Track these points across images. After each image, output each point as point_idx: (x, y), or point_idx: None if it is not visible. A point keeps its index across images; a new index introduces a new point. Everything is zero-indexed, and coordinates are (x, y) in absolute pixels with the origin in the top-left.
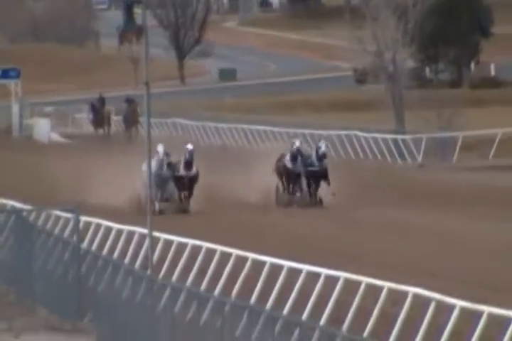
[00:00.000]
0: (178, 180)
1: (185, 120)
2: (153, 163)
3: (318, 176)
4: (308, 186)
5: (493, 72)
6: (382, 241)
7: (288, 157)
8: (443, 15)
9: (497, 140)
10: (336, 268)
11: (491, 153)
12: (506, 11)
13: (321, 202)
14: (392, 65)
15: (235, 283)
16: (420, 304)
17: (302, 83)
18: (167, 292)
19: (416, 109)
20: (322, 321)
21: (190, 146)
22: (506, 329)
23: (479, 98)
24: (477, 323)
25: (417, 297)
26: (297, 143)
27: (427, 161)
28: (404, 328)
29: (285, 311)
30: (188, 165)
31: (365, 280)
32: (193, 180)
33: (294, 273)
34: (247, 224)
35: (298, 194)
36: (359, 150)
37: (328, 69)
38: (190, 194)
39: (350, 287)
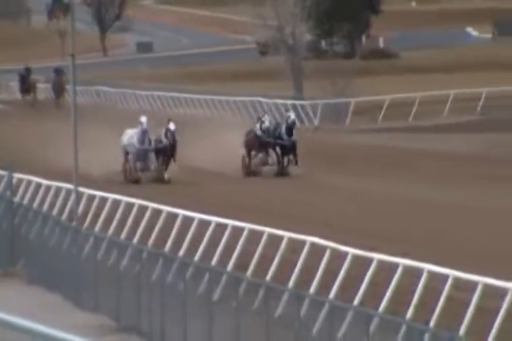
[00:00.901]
0: (160, 151)
1: (107, 88)
2: (134, 133)
3: (287, 149)
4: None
5: (381, 45)
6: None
7: (258, 126)
8: None
9: (385, 105)
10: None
11: (380, 117)
12: None
13: (287, 173)
14: (291, 38)
15: (151, 234)
16: (318, 252)
17: (210, 55)
18: (90, 241)
19: (313, 77)
20: (229, 267)
21: (172, 126)
22: (394, 274)
23: (369, 68)
24: (368, 269)
25: (314, 245)
26: (267, 122)
27: (323, 124)
28: (302, 273)
29: (196, 258)
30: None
31: (268, 230)
32: (173, 149)
33: (204, 224)
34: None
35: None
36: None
37: (234, 43)
38: (168, 163)
39: (255, 237)
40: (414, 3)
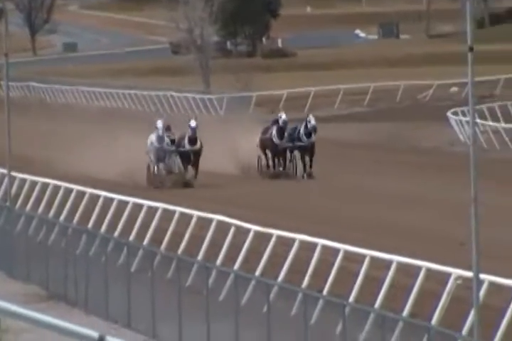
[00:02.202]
0: (183, 155)
1: (37, 83)
2: (154, 138)
3: (305, 150)
4: (291, 160)
5: (280, 45)
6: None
7: (274, 131)
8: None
9: (283, 98)
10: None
11: (279, 108)
12: None
13: (310, 175)
14: (200, 39)
15: (75, 212)
16: (224, 229)
17: (129, 54)
18: (22, 219)
19: (219, 74)
20: (145, 242)
21: (193, 123)
22: (290, 248)
23: (269, 65)
24: (267, 244)
25: (221, 223)
26: (283, 116)
27: (228, 115)
28: (209, 248)
29: (116, 234)
30: (193, 140)
31: (178, 209)
32: (197, 154)
33: (124, 205)
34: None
35: (281, 168)
36: (173, 107)
37: (150, 43)
38: (196, 168)
39: (168, 215)
40: (309, 9)
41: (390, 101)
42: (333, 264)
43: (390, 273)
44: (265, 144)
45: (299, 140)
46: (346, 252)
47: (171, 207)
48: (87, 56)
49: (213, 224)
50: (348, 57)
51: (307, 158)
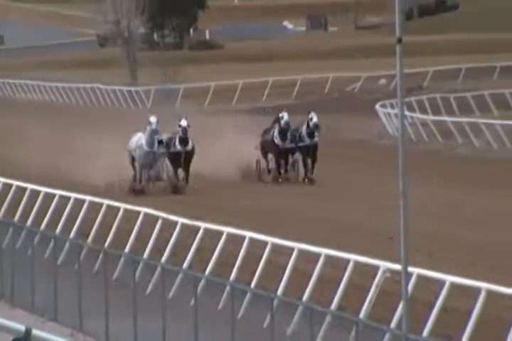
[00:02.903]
0: (174, 157)
1: None
2: (142, 139)
3: (307, 152)
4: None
5: (207, 37)
6: None
7: (276, 133)
8: None
9: (211, 91)
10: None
11: (207, 101)
12: None
13: (311, 180)
14: (127, 31)
15: (1, 205)
16: (152, 221)
17: (56, 46)
18: None
19: (146, 66)
20: (72, 235)
21: (183, 123)
22: (219, 240)
23: (197, 57)
24: (195, 237)
25: (148, 215)
26: (286, 117)
27: (155, 107)
28: (137, 239)
29: (42, 227)
30: (184, 141)
31: (106, 202)
32: (189, 155)
33: (50, 197)
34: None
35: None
36: (101, 99)
37: (76, 35)
38: (187, 172)
39: (96, 208)
40: (236, 0)
41: (318, 94)
42: (261, 257)
43: (318, 266)
44: (266, 147)
45: (301, 141)
46: (274, 245)
47: (97, 200)
48: (14, 49)
49: (140, 216)
50: (276, 49)
51: (309, 161)
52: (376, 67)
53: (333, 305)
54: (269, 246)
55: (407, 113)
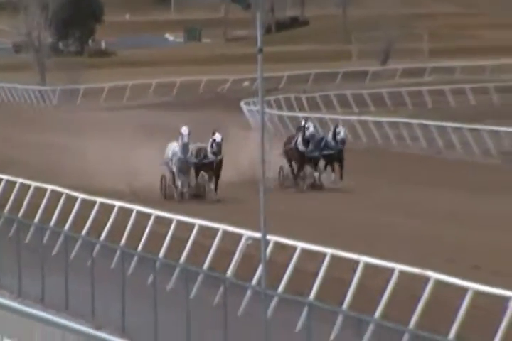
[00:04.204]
0: (205, 167)
1: None
2: (176, 147)
3: (333, 159)
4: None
5: (103, 46)
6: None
7: (300, 140)
8: (71, 6)
9: (105, 90)
10: None
11: (102, 99)
12: (114, 4)
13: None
14: (37, 41)
15: None
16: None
17: None
18: None
19: (53, 70)
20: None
21: (218, 138)
22: (131, 220)
23: (94, 63)
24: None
25: (84, 200)
26: (311, 128)
27: (60, 104)
28: (45, 213)
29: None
30: (217, 153)
31: (50, 187)
32: (219, 166)
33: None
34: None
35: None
36: (16, 97)
37: None
38: (216, 184)
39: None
40: (128, 16)
41: (194, 93)
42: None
43: (217, 241)
44: (290, 154)
45: (328, 148)
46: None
47: (43, 185)
48: None
49: (78, 201)
50: (160, 56)
51: (335, 167)
52: (241, 72)
53: (205, 265)
54: (196, 228)
55: (266, 110)
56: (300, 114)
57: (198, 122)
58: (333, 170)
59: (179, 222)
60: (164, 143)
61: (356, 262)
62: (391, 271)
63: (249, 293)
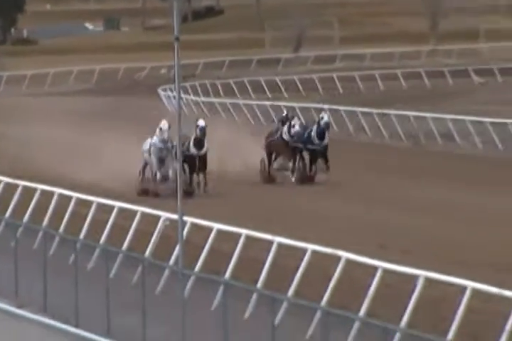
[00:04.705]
0: (187, 160)
1: None
2: (155, 140)
3: (318, 154)
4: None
5: (25, 35)
6: None
7: (285, 129)
8: None
9: (28, 77)
10: None
11: (24, 85)
12: None
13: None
14: None
15: None
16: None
17: None
18: None
19: None
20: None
21: (201, 123)
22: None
23: (17, 51)
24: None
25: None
26: (297, 127)
27: None
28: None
29: None
30: (200, 143)
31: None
32: (204, 159)
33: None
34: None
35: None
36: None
37: None
38: (204, 175)
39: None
40: (48, 6)
41: (113, 80)
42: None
43: (135, 222)
44: (274, 147)
45: (311, 143)
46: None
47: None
48: None
49: (55, 196)
50: (80, 44)
51: (320, 163)
52: (159, 59)
53: (124, 246)
54: (138, 215)
55: (182, 95)
56: (215, 100)
57: (117, 108)
58: (315, 166)
59: (99, 204)
60: (86, 127)
61: (271, 242)
62: (304, 250)
63: (166, 272)
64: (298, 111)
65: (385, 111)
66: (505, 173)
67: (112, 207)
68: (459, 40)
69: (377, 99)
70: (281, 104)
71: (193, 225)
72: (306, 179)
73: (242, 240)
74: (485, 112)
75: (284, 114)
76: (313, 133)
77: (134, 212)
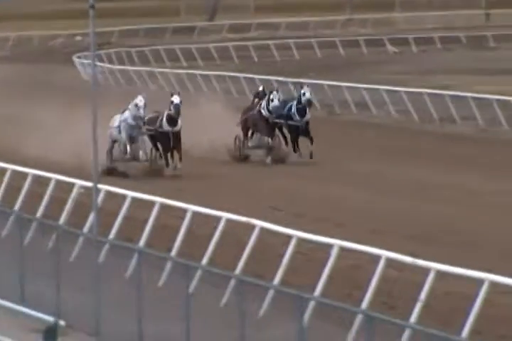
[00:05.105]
0: (161, 137)
1: None
2: (127, 115)
3: (300, 131)
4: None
5: None
6: None
7: (263, 105)
8: None
9: None
10: None
11: None
12: None
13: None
14: None
15: None
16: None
17: None
18: None
19: None
20: None
21: (176, 99)
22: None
23: None
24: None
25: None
26: (276, 101)
27: None
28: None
29: None
30: (174, 120)
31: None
32: (178, 136)
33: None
34: None
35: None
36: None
37: None
38: (179, 153)
39: None
40: None
41: (28, 48)
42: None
43: (49, 189)
44: (251, 122)
45: (291, 119)
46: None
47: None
48: None
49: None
50: None
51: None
52: (74, 27)
53: (39, 214)
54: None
55: (98, 63)
56: (130, 68)
57: (32, 74)
58: (297, 145)
59: (14, 172)
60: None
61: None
62: (219, 219)
63: (81, 239)
64: (213, 79)
65: (300, 79)
66: (419, 142)
67: (25, 174)
68: (374, 10)
69: (292, 68)
70: (197, 72)
71: (108, 193)
72: (280, 159)
73: (156, 208)
74: (400, 81)
75: (260, 89)
76: (293, 109)
77: (49, 179)
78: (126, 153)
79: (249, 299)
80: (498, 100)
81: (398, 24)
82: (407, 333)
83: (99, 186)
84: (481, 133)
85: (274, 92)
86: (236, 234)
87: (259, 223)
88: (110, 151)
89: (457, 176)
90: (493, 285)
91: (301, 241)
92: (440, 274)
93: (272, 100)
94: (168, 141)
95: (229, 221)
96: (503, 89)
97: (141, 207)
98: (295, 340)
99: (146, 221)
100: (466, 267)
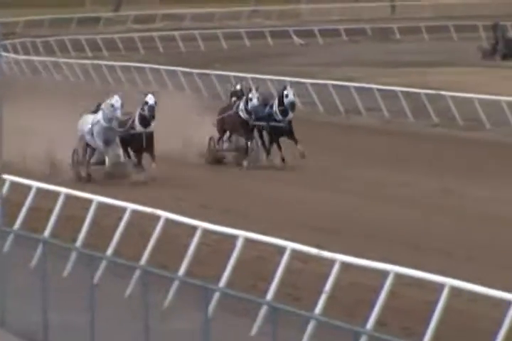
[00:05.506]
0: (132, 139)
1: None
2: (100, 117)
3: (283, 132)
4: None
5: None
6: None
7: (242, 107)
8: None
9: None
10: None
11: None
12: None
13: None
14: None
15: None
16: None
17: None
18: None
19: None
20: None
21: (151, 100)
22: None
23: None
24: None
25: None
26: (255, 100)
27: None
28: None
29: None
30: (147, 121)
31: None
32: (151, 137)
33: None
34: None
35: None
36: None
37: None
38: (152, 156)
39: None
40: None
41: None
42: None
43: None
44: (228, 123)
45: (273, 120)
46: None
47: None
48: None
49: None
50: None
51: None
52: None
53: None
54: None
55: (3, 53)
56: (35, 58)
57: None
58: (279, 147)
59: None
60: None
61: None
62: (124, 210)
63: None
64: (118, 70)
65: (206, 71)
66: (324, 133)
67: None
68: (280, 2)
69: (198, 59)
70: (102, 62)
71: (13, 183)
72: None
73: (61, 199)
74: (306, 73)
75: (238, 88)
76: (274, 109)
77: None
78: (104, 159)
79: (154, 290)
80: (403, 92)
81: (304, 16)
82: (311, 324)
83: (4, 176)
84: (386, 124)
85: (253, 91)
86: (141, 225)
87: (163, 214)
88: (83, 155)
89: (362, 167)
90: (398, 277)
91: (207, 232)
92: (345, 266)
93: (251, 99)
94: (140, 142)
95: (134, 211)
96: (408, 81)
97: (47, 198)
98: (200, 331)
99: (51, 211)
100: (370, 259)
